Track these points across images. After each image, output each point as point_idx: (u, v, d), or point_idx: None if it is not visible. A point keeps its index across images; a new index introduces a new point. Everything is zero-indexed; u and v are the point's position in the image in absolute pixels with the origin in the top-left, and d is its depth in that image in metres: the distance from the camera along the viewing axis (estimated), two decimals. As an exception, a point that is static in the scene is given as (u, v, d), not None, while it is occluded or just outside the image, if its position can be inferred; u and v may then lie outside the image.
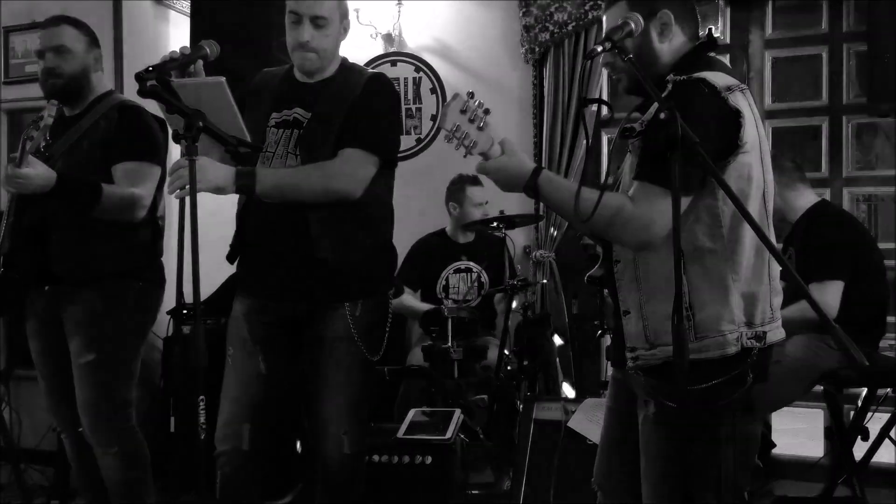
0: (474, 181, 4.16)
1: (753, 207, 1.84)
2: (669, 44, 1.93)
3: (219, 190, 2.26)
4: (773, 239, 1.91)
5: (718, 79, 1.82)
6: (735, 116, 1.78)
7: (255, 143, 2.23)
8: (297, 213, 2.38)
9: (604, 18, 2.01)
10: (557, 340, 4.11)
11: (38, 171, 2.50)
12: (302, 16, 2.41)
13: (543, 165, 4.17)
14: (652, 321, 1.86)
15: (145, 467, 2.77)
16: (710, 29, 2.03)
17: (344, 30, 2.51)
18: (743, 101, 1.83)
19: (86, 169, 2.67)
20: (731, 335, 1.82)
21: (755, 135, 1.85)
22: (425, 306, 4.05)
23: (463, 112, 1.88)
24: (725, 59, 2.04)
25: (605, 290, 3.57)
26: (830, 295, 3.24)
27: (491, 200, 4.17)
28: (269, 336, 2.49)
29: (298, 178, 2.38)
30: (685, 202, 1.78)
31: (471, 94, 1.91)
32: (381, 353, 2.54)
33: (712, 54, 1.97)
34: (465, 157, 1.95)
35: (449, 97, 3.82)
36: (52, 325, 2.75)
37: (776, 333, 1.90)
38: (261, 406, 2.49)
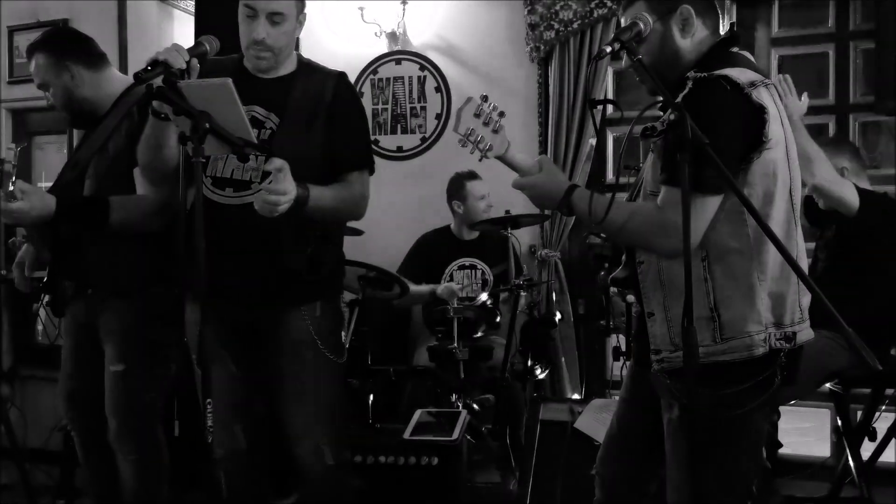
0: (472, 176, 4.16)
1: (780, 205, 1.83)
2: (692, 39, 1.92)
3: None
4: (800, 236, 1.90)
5: (742, 75, 1.80)
6: (759, 113, 1.76)
7: (259, 144, 2.21)
8: (260, 217, 2.30)
9: (622, 19, 1.98)
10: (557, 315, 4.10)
11: (31, 204, 2.45)
12: (258, 11, 2.31)
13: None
14: (676, 323, 1.84)
15: (164, 477, 2.77)
16: (731, 24, 2.02)
17: (299, 24, 2.42)
18: (767, 97, 1.81)
19: (113, 176, 2.62)
20: (757, 336, 1.80)
21: (780, 131, 1.83)
22: (427, 287, 4.04)
23: (477, 116, 1.88)
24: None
25: (613, 290, 3.60)
26: (850, 191, 3.14)
27: (496, 200, 4.15)
28: (231, 339, 2.42)
29: (338, 200, 2.37)
30: (717, 202, 1.77)
31: (484, 98, 1.90)
32: (345, 358, 2.52)
33: (735, 49, 1.95)
34: (480, 160, 1.94)
35: (454, 96, 3.79)
36: (87, 329, 2.74)
37: (806, 333, 1.88)
38: (246, 406, 2.46)
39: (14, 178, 2.50)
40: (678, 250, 1.76)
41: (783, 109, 1.88)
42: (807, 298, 1.89)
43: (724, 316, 1.81)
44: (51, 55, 2.72)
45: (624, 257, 2.06)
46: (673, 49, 1.91)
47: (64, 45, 2.76)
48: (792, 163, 1.88)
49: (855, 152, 3.49)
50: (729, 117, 1.75)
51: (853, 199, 3.12)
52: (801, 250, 1.92)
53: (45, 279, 2.75)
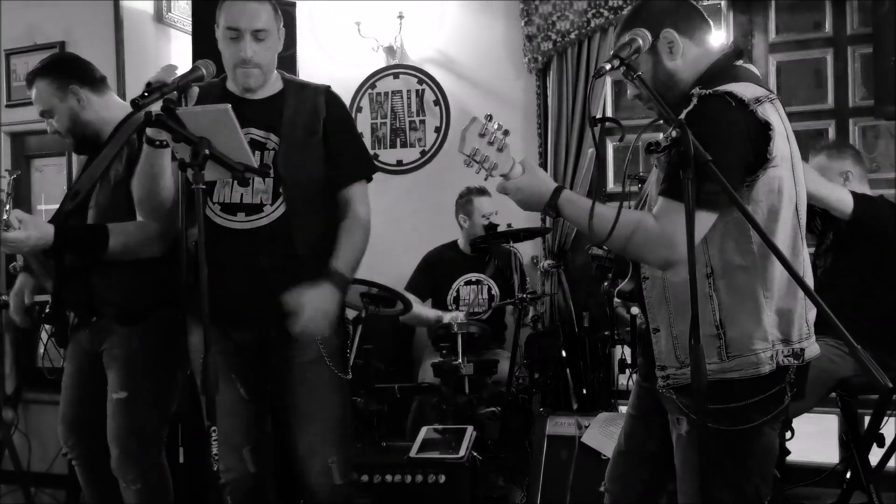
0: (481, 192, 4.15)
1: (785, 221, 1.81)
2: (683, 59, 1.90)
3: None
4: (804, 249, 1.88)
5: (746, 90, 1.78)
6: (764, 129, 1.75)
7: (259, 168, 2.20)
8: (278, 238, 2.34)
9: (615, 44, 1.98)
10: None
11: (28, 233, 2.43)
12: (242, 31, 2.32)
13: (549, 174, 4.19)
14: (682, 339, 1.83)
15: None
16: (734, 39, 1.99)
17: (280, 38, 2.43)
18: (773, 113, 1.79)
19: (115, 203, 2.62)
20: (763, 354, 1.79)
21: (786, 147, 1.81)
22: (434, 313, 4.04)
23: (482, 135, 1.86)
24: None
25: (617, 301, 3.58)
26: (842, 193, 3.10)
27: (500, 212, 4.14)
28: (240, 363, 2.43)
29: (361, 248, 2.44)
30: (711, 218, 1.75)
31: (489, 117, 1.88)
32: (349, 374, 2.52)
33: (740, 63, 1.93)
34: (485, 179, 1.92)
35: (453, 109, 3.74)
36: (90, 355, 2.73)
37: (813, 349, 1.87)
38: (254, 428, 2.46)
39: (9, 207, 2.49)
40: (668, 262, 1.76)
41: (788, 124, 1.86)
42: (813, 313, 1.87)
43: (730, 333, 1.80)
44: (54, 80, 2.71)
45: (630, 270, 2.05)
46: (666, 72, 1.90)
47: (67, 68, 2.75)
48: (798, 179, 1.87)
49: (857, 157, 3.47)
50: (733, 133, 1.73)
51: (846, 200, 3.10)
52: (808, 267, 1.90)
53: (48, 308, 2.74)
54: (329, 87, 2.53)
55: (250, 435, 2.45)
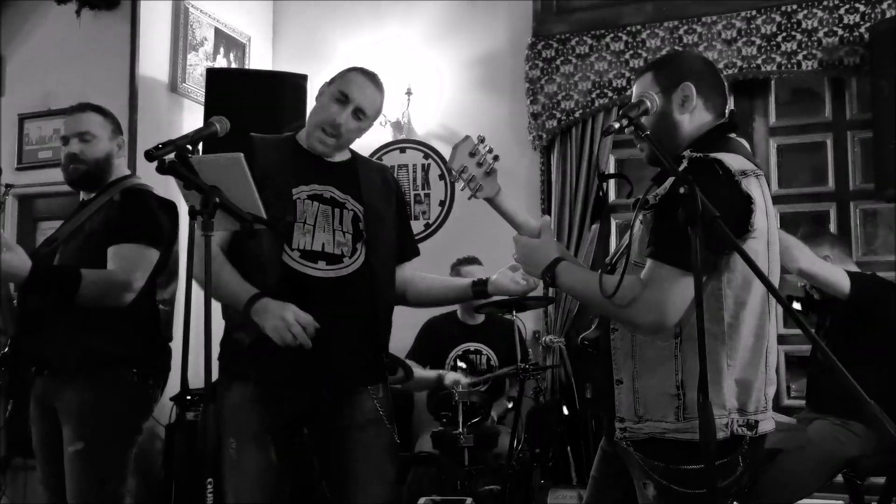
0: (469, 261, 4.14)
1: (756, 294, 1.83)
2: (691, 116, 1.94)
3: None
4: (771, 322, 1.89)
5: (735, 161, 1.81)
6: (746, 202, 1.77)
7: (273, 216, 2.20)
8: (356, 290, 2.36)
9: (633, 89, 2.03)
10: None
11: (9, 258, 2.42)
12: (350, 101, 2.36)
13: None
14: (643, 394, 1.84)
15: None
16: (731, 111, 2.04)
17: (367, 128, 2.50)
18: (756, 188, 1.82)
19: (84, 252, 2.65)
20: (720, 420, 1.77)
21: (764, 222, 1.84)
22: (434, 372, 3.98)
23: (472, 155, 1.91)
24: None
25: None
26: (839, 272, 3.14)
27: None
28: (282, 426, 2.34)
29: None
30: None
31: (481, 139, 1.92)
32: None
33: (733, 136, 1.97)
34: (469, 199, 1.99)
35: (458, 183, 3.80)
36: (48, 412, 2.68)
37: (767, 424, 1.86)
38: (275, 493, 2.37)
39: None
40: (659, 326, 1.78)
41: (770, 201, 1.89)
42: (772, 388, 1.88)
43: (689, 395, 1.78)
44: (111, 121, 2.86)
45: (597, 319, 2.05)
46: (671, 122, 1.94)
47: (118, 121, 2.93)
48: (772, 255, 1.89)
49: (834, 240, 3.51)
50: (717, 202, 1.70)
51: (843, 280, 3.12)
52: (773, 340, 1.90)
53: (6, 349, 2.71)
54: (387, 166, 2.66)
55: (273, 500, 2.35)
